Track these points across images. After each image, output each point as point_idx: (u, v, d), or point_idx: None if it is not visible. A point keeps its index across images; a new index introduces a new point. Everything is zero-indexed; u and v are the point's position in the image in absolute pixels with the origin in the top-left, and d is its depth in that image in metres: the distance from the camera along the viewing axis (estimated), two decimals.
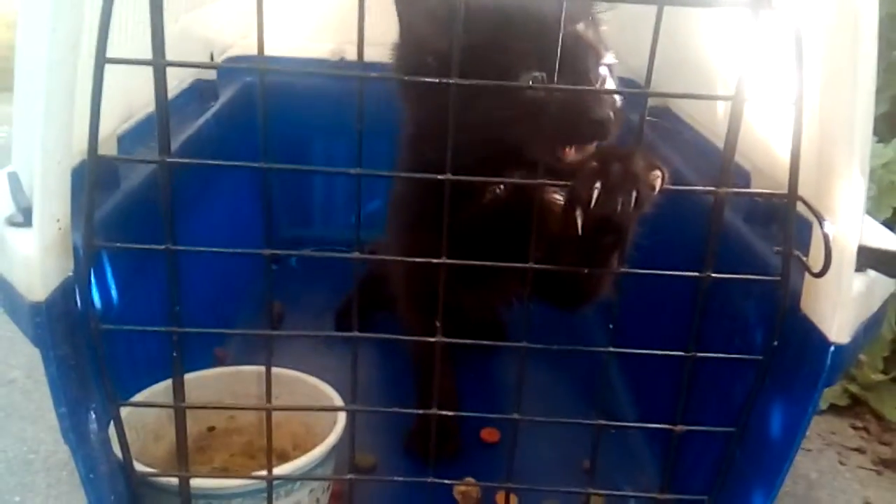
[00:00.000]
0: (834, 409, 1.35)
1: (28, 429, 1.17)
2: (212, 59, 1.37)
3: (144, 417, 0.89)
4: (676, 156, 1.17)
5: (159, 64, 0.59)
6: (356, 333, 0.67)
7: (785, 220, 0.62)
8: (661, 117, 1.37)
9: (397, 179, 1.04)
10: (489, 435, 1.10)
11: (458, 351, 1.09)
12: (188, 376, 0.69)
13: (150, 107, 1.07)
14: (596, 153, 0.71)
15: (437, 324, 0.68)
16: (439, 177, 0.62)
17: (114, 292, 0.89)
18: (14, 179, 0.66)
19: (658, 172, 0.65)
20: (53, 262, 0.64)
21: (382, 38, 1.57)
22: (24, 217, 0.64)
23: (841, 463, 1.23)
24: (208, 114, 1.31)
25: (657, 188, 0.65)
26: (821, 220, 0.62)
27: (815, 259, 0.64)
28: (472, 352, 1.25)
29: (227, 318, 1.29)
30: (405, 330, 1.09)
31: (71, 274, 0.66)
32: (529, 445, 1.06)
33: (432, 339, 0.69)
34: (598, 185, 0.63)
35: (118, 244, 0.65)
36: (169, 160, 0.61)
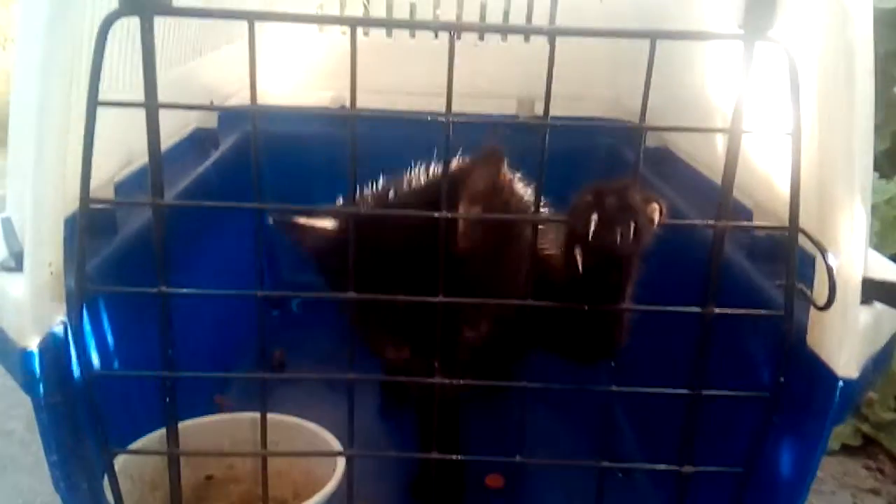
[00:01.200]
0: (846, 449, 1.32)
1: (24, 480, 1.15)
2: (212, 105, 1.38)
3: (142, 467, 0.88)
4: (677, 195, 1.17)
5: (151, 106, 0.59)
6: (351, 375, 0.66)
7: (787, 253, 0.61)
8: (660, 158, 1.37)
9: None
10: (493, 481, 1.07)
11: (463, 396, 1.08)
12: (185, 423, 0.67)
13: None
14: (590, 188, 0.70)
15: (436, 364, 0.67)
16: None
17: (110, 340, 0.88)
18: (7, 225, 0.66)
19: (655, 205, 0.64)
20: (45, 308, 0.63)
21: (381, 86, 1.61)
22: (16, 262, 0.63)
23: None
24: (208, 162, 1.32)
25: (656, 221, 0.64)
26: (823, 252, 0.61)
27: (820, 292, 0.63)
28: (477, 398, 1.23)
29: (228, 366, 1.28)
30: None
31: (64, 320, 0.65)
32: (535, 492, 1.04)
33: (431, 381, 0.68)
34: (594, 216, 0.61)
35: (111, 287, 0.64)
36: (160, 203, 0.61)
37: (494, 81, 1.60)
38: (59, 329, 0.65)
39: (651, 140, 1.45)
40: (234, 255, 1.40)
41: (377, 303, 0.75)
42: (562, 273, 0.70)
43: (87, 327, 0.80)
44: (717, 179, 1.15)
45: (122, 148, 0.95)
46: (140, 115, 0.59)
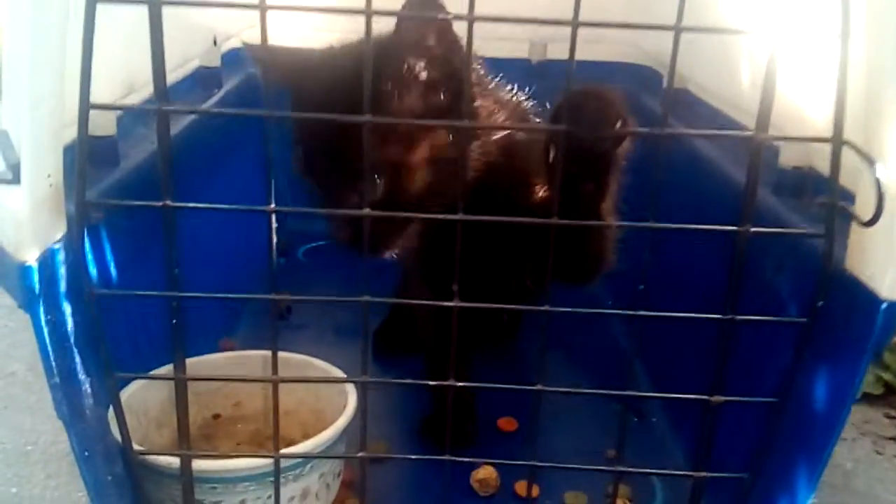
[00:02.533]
0: (867, 398, 1.29)
1: (27, 420, 1.12)
2: (215, 44, 1.33)
3: (146, 404, 0.85)
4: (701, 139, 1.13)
5: (154, 2, 0.55)
6: (366, 297, 0.63)
7: (829, 170, 0.58)
8: (679, 99, 1.32)
9: None
10: (507, 424, 1.05)
11: (474, 339, 1.04)
12: (192, 360, 0.64)
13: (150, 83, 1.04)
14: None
15: (454, 287, 0.63)
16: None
17: (113, 269, 0.85)
18: (4, 138, 0.62)
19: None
20: (44, 221, 0.60)
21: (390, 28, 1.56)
22: (13, 174, 0.59)
23: (877, 452, 1.18)
24: (213, 100, 1.27)
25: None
26: (871, 163, 0.57)
27: (864, 208, 0.60)
28: (488, 341, 1.20)
29: (234, 310, 1.25)
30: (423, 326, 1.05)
31: (64, 236, 0.62)
32: (550, 436, 1.01)
33: (450, 304, 0.64)
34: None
35: (114, 202, 0.61)
36: (166, 108, 0.57)
37: (505, 24, 1.55)
38: (58, 245, 0.61)
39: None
40: (241, 192, 1.37)
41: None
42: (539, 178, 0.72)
43: (89, 249, 0.77)
44: (742, 118, 1.12)
45: (124, 72, 0.91)
46: (142, 38, 0.54)
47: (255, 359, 0.93)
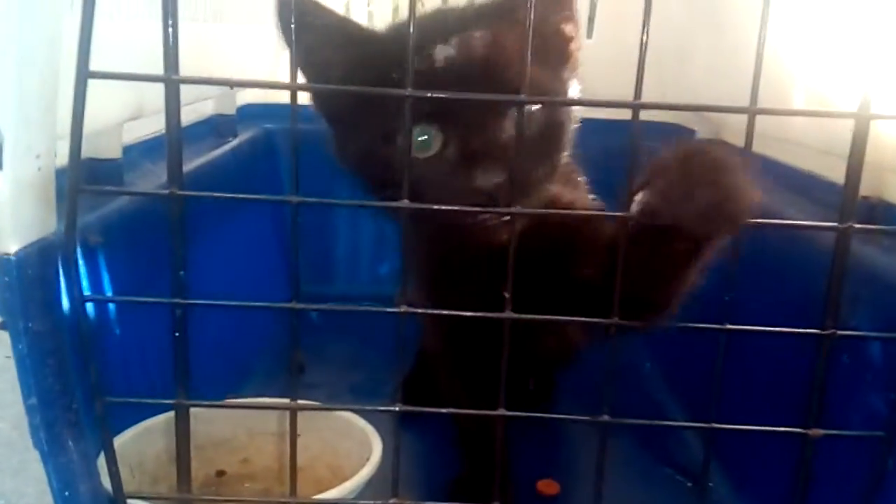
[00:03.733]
0: None
1: (7, 483, 1.01)
2: (231, 87, 1.27)
3: (141, 456, 0.75)
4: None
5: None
6: (404, 308, 0.54)
7: None
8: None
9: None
10: (547, 487, 0.93)
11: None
12: (195, 410, 0.54)
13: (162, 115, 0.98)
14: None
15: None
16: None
17: (110, 305, 0.76)
18: None
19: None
20: (30, 209, 0.51)
21: None
22: None
23: None
24: (226, 147, 1.21)
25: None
26: None
27: None
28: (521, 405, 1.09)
29: (244, 364, 1.15)
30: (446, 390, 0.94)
31: (53, 232, 0.53)
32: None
33: (494, 413, 0.55)
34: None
35: (108, 188, 0.52)
36: (177, 192, 0.49)
37: None
38: (44, 241, 0.52)
39: (702, 131, 1.35)
40: (251, 248, 1.30)
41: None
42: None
43: (84, 275, 0.69)
44: (795, 154, 1.04)
45: (131, 96, 0.84)
46: (156, 59, 0.47)
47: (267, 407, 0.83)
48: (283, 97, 1.49)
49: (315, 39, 0.63)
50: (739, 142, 1.24)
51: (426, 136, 0.63)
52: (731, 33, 1.11)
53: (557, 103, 0.68)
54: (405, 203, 0.51)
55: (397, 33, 0.68)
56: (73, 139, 0.47)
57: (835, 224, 0.52)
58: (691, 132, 1.44)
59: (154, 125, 0.99)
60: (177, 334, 0.52)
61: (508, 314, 0.53)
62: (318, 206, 1.61)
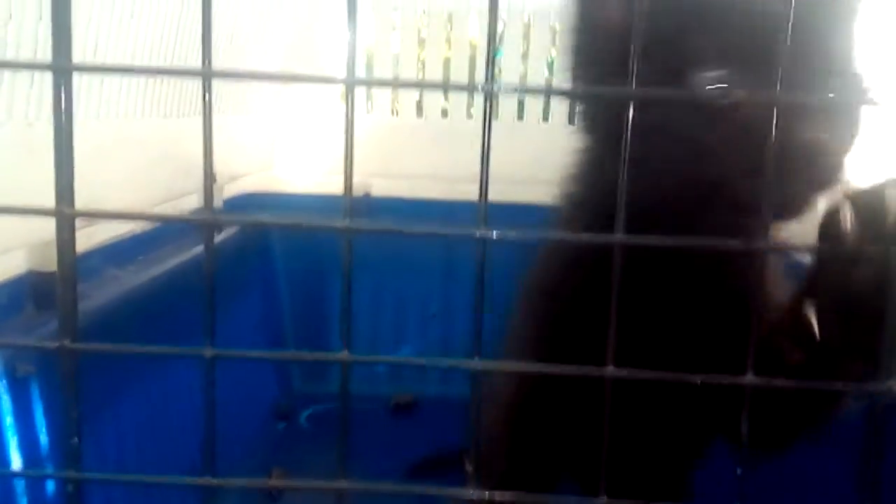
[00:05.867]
0: None
1: None
2: (215, 181, 1.22)
3: None
4: None
5: (64, 216, 0.41)
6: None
7: None
8: None
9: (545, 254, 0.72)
10: None
11: None
12: None
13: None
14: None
15: None
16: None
17: (43, 439, 0.68)
18: None
19: None
20: None
21: (410, 171, 1.45)
22: None
23: None
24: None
25: None
26: None
27: None
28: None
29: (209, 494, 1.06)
30: None
31: None
32: None
33: None
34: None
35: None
36: (72, 346, 0.40)
37: (533, 166, 1.44)
38: None
39: None
40: (239, 338, 1.23)
41: None
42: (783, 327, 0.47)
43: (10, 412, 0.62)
44: None
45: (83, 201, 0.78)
46: (110, 160, 0.40)
47: None
48: (280, 186, 1.44)
49: None
50: None
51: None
52: None
53: None
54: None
55: None
56: None
57: None
58: None
59: (122, 226, 0.93)
60: None
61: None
62: (311, 302, 1.52)
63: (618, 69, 0.45)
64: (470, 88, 0.40)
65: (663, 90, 0.49)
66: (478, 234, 0.43)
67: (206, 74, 0.41)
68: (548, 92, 1.45)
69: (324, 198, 1.41)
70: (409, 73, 1.44)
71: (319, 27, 1.49)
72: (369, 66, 1.47)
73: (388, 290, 1.42)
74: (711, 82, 0.51)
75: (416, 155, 1.44)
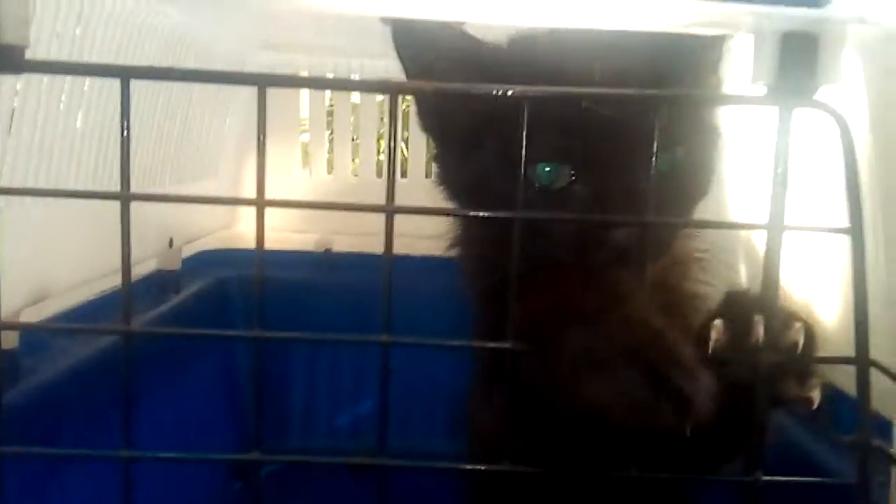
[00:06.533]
0: None
1: None
2: (171, 246, 1.24)
3: None
4: None
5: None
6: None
7: (858, 392, 0.43)
8: None
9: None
10: None
11: None
12: None
13: (73, 291, 0.93)
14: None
15: None
16: None
17: None
18: None
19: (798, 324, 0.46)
20: None
21: (372, 229, 1.48)
22: None
23: None
24: (164, 307, 1.16)
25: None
26: None
27: None
28: None
29: None
30: None
31: None
32: None
33: None
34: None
35: None
36: None
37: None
38: None
39: None
40: (201, 401, 1.24)
41: None
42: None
43: None
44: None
45: (30, 274, 0.80)
46: (58, 237, 0.43)
47: None
48: (241, 242, 1.47)
49: (432, 55, 0.60)
50: None
51: (551, 170, 0.57)
52: None
53: None
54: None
55: (521, 46, 0.62)
56: None
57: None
58: None
59: (73, 298, 0.94)
60: None
61: None
62: (272, 356, 1.53)
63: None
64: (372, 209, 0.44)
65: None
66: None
67: (125, 198, 0.44)
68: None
69: (285, 253, 1.44)
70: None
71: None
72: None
73: (348, 348, 1.43)
74: (549, 175, 0.57)
75: (375, 213, 1.47)
